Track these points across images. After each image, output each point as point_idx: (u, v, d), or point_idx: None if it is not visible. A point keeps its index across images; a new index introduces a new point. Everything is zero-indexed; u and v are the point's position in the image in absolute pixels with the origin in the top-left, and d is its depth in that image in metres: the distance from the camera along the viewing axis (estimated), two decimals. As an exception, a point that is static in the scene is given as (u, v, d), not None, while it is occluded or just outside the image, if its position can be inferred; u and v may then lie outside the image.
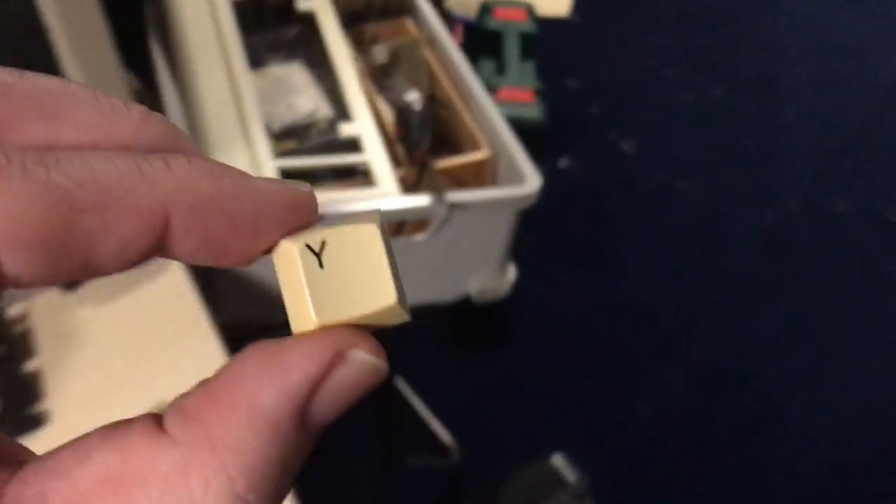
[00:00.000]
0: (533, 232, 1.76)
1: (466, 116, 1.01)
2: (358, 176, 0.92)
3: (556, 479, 1.10)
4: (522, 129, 1.50)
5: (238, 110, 0.93)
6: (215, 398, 0.15)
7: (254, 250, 0.17)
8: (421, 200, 0.87)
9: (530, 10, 1.65)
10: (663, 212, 1.85)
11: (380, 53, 1.08)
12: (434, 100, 1.05)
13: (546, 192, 1.90)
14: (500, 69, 1.56)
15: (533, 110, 1.48)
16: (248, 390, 0.15)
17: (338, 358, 0.16)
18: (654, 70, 2.09)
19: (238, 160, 0.88)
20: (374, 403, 1.40)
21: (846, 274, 1.73)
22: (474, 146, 0.98)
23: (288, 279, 0.17)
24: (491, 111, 1.00)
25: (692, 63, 2.14)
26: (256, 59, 1.06)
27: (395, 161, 0.96)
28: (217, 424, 0.14)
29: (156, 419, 0.15)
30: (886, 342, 1.64)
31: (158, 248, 0.15)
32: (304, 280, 0.17)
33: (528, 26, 1.62)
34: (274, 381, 0.15)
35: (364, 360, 0.16)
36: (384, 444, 1.34)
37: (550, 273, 1.73)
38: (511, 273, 0.99)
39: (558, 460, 1.11)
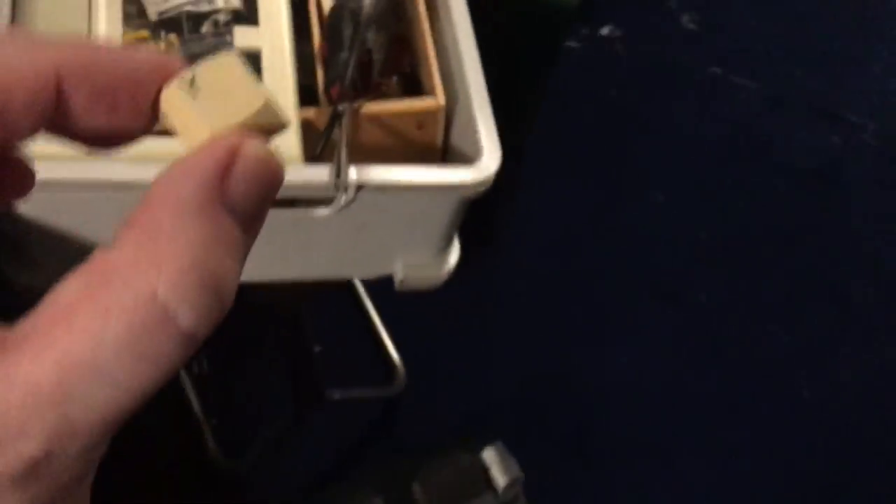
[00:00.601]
0: (546, 109, 1.47)
1: (426, 36, 0.71)
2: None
3: (485, 479, 0.91)
4: (539, 8, 1.18)
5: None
6: (146, 204, 0.18)
7: (141, 102, 0.20)
8: (317, 174, 0.61)
9: None
10: (708, 111, 1.53)
11: None
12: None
13: (577, 62, 1.58)
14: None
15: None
16: (169, 190, 0.18)
17: (233, 151, 0.18)
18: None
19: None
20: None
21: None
22: (428, 85, 0.69)
23: (176, 116, 0.20)
24: (462, 35, 0.70)
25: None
26: None
27: (314, 93, 0.68)
28: (152, 221, 0.17)
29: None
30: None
31: (59, 105, 0.19)
32: (188, 104, 0.20)
33: None
34: (187, 177, 0.18)
35: (257, 150, 0.19)
36: (302, 371, 1.15)
37: (554, 167, 1.45)
38: (452, 257, 0.74)
39: (490, 455, 0.91)
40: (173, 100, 0.20)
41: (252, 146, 0.18)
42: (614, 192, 1.42)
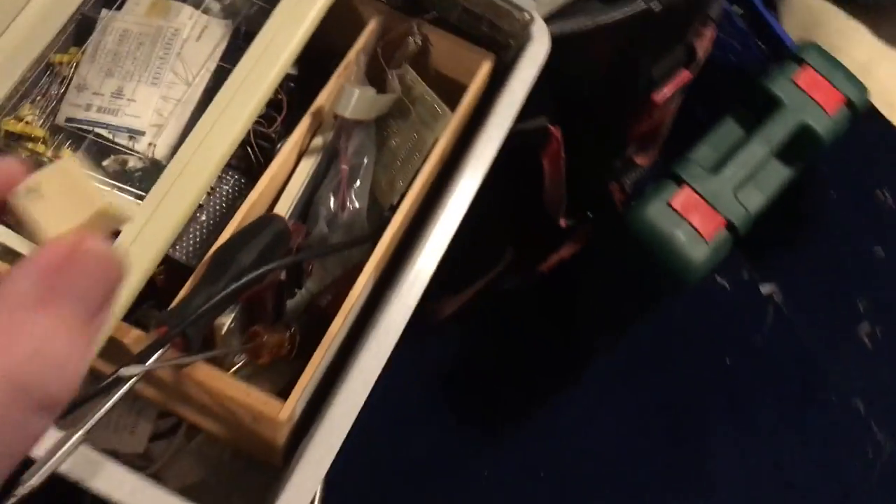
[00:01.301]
0: (649, 345, 1.23)
1: (341, 316, 0.52)
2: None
3: None
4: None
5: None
6: None
7: None
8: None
9: (851, 103, 0.99)
10: (822, 446, 1.22)
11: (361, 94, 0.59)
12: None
13: (714, 303, 1.32)
14: (733, 150, 0.97)
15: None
16: (8, 289, 0.21)
17: (70, 249, 0.22)
18: None
19: None
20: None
21: None
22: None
23: (22, 219, 0.23)
24: (375, 348, 0.51)
25: None
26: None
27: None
28: None
29: None
30: None
31: None
32: (32, 208, 0.23)
33: (829, 123, 0.98)
34: (25, 276, 0.21)
35: (95, 247, 0.22)
36: None
37: (621, 410, 1.22)
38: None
39: None
40: (19, 204, 0.23)
41: (89, 244, 0.22)
42: (670, 470, 1.18)
